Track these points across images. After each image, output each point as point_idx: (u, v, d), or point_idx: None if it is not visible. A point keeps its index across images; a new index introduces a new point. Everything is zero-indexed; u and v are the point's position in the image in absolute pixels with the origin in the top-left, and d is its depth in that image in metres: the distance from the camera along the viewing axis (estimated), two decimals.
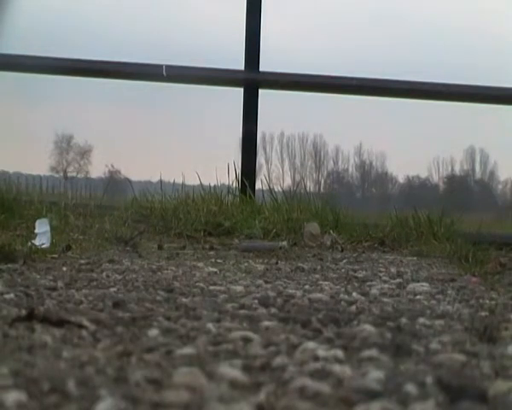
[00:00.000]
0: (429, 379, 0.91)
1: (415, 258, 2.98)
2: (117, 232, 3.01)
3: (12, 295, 1.51)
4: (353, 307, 1.54)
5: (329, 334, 1.21)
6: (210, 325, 1.25)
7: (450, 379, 0.89)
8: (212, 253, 2.83)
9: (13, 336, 1.12)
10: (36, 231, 2.79)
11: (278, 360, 1.01)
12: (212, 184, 4.19)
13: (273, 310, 1.46)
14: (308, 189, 4.77)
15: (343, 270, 2.38)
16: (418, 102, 4.77)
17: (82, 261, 2.25)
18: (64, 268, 2.07)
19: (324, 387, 0.87)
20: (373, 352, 1.07)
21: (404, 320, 1.39)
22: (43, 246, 2.45)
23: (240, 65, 4.32)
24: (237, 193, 4.17)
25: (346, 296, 1.71)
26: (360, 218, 3.95)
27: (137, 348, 1.05)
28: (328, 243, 3.31)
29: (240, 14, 4.32)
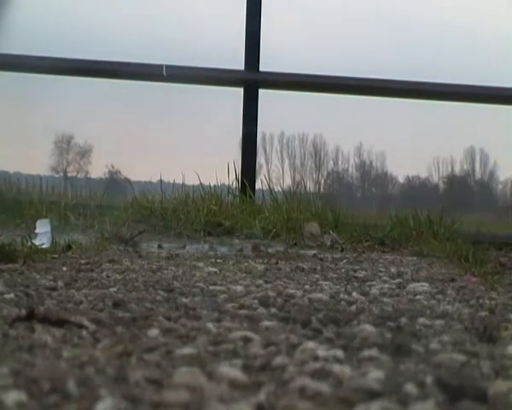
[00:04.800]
0: (429, 379, 0.91)
1: (415, 258, 2.98)
2: (117, 232, 3.01)
3: (12, 295, 1.51)
4: (353, 307, 1.54)
5: (329, 334, 1.21)
6: (210, 325, 1.25)
7: (450, 379, 0.89)
8: (212, 253, 2.83)
9: (13, 336, 1.12)
10: (36, 231, 2.79)
11: (278, 360, 1.01)
12: (212, 184, 4.20)
13: (273, 310, 1.46)
14: (308, 189, 4.78)
15: (343, 270, 2.38)
16: (418, 102, 4.77)
17: (82, 261, 2.25)
18: (64, 268, 2.07)
19: (324, 387, 0.87)
20: (373, 352, 1.07)
21: (404, 320, 1.39)
22: (43, 246, 2.45)
23: (240, 65, 4.32)
24: (237, 193, 4.17)
25: (346, 296, 1.71)
26: (360, 218, 3.95)
27: (137, 348, 1.05)
28: (328, 243, 3.31)
29: (240, 14, 4.33)
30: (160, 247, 2.93)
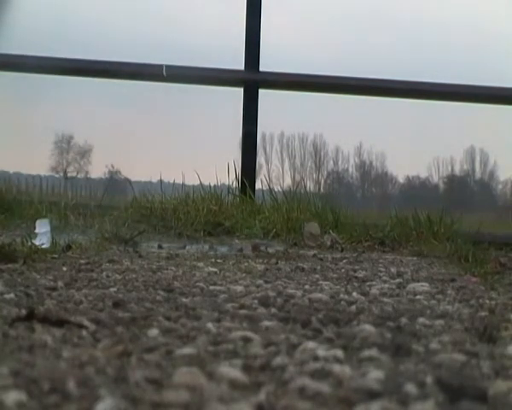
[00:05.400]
0: (429, 379, 0.91)
1: (415, 258, 2.98)
2: (117, 232, 3.01)
3: (12, 295, 1.51)
4: (353, 307, 1.54)
5: (329, 334, 1.21)
6: (210, 325, 1.25)
7: (450, 379, 0.89)
8: (212, 253, 2.83)
9: (13, 336, 1.12)
10: (36, 231, 2.79)
11: (278, 360, 1.01)
12: (212, 184, 4.20)
13: (273, 310, 1.46)
14: (308, 189, 4.78)
15: (343, 270, 2.38)
16: (418, 102, 4.78)
17: (82, 261, 2.25)
18: (64, 268, 2.07)
19: (324, 387, 0.87)
20: (373, 352, 1.07)
21: (404, 320, 1.39)
22: (43, 246, 2.44)
23: (240, 65, 4.32)
24: (237, 193, 4.17)
25: (346, 296, 1.71)
26: (360, 218, 3.95)
27: (137, 348, 1.05)
28: (328, 243, 3.31)
29: (240, 14, 4.33)
30: (160, 247, 2.93)
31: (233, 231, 3.56)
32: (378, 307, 1.57)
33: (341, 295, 1.72)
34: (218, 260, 2.52)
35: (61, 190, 5.85)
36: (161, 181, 4.23)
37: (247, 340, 1.14)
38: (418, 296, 1.77)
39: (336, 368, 0.96)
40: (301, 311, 1.45)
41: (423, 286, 1.94)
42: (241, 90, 4.32)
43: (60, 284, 1.73)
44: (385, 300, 1.69)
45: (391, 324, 1.34)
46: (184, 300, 1.57)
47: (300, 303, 1.57)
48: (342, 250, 3.20)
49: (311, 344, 1.11)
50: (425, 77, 4.51)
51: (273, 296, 1.65)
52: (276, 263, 2.51)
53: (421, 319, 1.40)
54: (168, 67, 4.24)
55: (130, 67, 4.38)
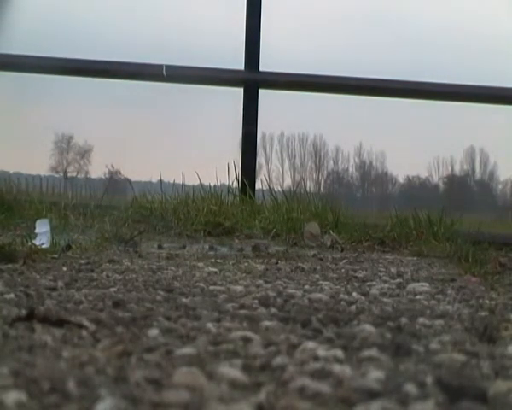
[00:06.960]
0: (429, 379, 0.91)
1: (415, 258, 2.98)
2: (117, 232, 3.01)
3: (12, 295, 1.51)
4: (353, 307, 1.54)
5: (329, 334, 1.21)
6: (210, 325, 1.25)
7: (450, 379, 0.89)
8: (212, 253, 2.83)
9: (13, 336, 1.12)
10: (36, 231, 2.79)
11: (278, 360, 1.01)
12: (212, 184, 4.20)
13: (273, 310, 1.46)
14: (308, 189, 4.78)
15: (343, 270, 2.38)
16: (418, 102, 4.78)
17: (82, 261, 2.25)
18: (64, 268, 2.07)
19: (324, 387, 0.87)
20: (373, 352, 1.07)
21: (404, 320, 1.39)
22: (43, 246, 2.44)
23: (240, 65, 4.32)
24: (237, 193, 4.17)
25: (346, 296, 1.71)
26: (360, 218, 3.94)
27: (137, 348, 1.05)
28: (328, 243, 3.31)
29: (240, 14, 4.33)
30: (159, 247, 2.93)
31: (233, 231, 3.56)
32: (378, 307, 1.57)
33: (341, 295, 1.72)
34: (218, 260, 2.52)
35: (61, 190, 5.86)
36: (161, 181, 4.23)
37: (247, 340, 1.14)
38: (418, 296, 1.77)
39: (336, 368, 0.96)
40: (301, 311, 1.45)
41: (423, 286, 1.94)
42: (241, 90, 4.33)
43: (60, 284, 1.73)
44: (385, 300, 1.69)
45: (391, 324, 1.34)
46: (184, 300, 1.56)
47: (300, 303, 1.57)
48: (342, 250, 3.20)
49: (311, 344, 1.11)
50: (425, 77, 4.52)
51: (273, 296, 1.65)
52: (276, 263, 2.51)
53: (421, 319, 1.40)
54: (168, 67, 4.24)
55: (130, 67, 4.38)
